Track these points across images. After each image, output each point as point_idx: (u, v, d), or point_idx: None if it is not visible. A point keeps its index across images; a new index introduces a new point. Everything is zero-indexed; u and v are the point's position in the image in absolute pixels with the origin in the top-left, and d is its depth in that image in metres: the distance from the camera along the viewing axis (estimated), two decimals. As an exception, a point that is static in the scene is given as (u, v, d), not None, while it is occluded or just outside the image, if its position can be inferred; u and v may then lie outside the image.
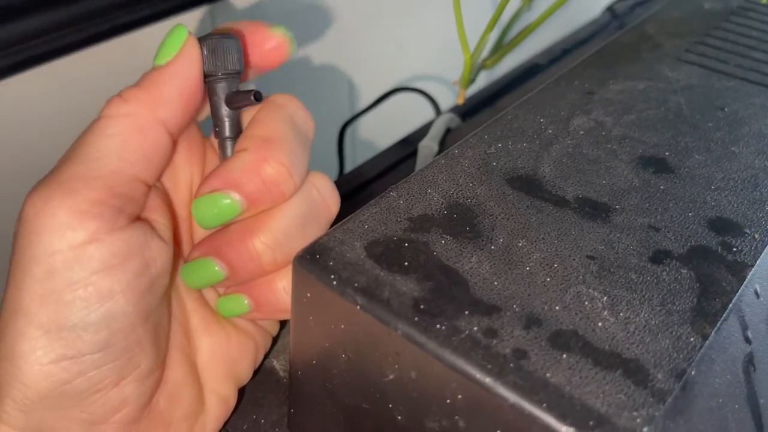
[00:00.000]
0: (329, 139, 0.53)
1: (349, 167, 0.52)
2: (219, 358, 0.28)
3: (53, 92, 0.40)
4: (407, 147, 0.49)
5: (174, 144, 0.26)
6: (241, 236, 0.26)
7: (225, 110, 0.27)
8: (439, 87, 0.64)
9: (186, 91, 0.25)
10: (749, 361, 0.24)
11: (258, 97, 0.26)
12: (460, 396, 0.21)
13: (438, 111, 0.52)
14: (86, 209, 0.22)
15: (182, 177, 0.27)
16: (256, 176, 0.25)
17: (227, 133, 0.28)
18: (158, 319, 0.25)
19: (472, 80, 0.43)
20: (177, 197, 0.28)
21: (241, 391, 0.31)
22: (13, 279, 0.23)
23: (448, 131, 0.47)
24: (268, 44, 0.27)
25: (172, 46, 0.25)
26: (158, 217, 0.25)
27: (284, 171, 0.26)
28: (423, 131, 0.49)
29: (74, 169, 0.23)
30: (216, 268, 0.26)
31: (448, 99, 0.61)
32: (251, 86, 0.28)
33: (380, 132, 0.57)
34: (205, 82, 0.27)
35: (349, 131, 0.53)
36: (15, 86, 0.38)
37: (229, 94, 0.27)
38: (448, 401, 0.22)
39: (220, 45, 0.26)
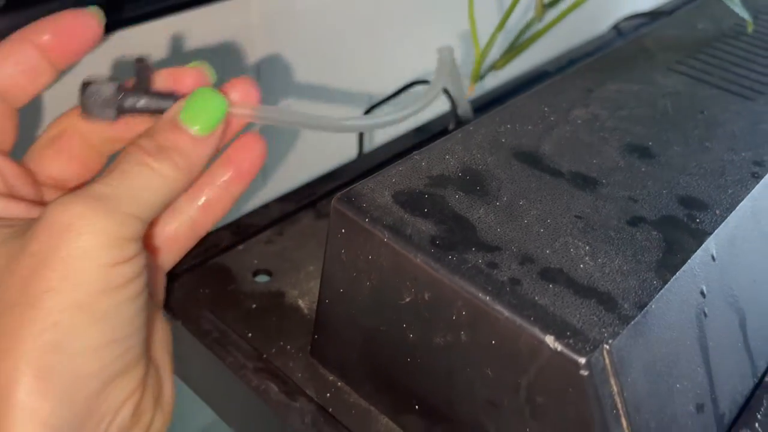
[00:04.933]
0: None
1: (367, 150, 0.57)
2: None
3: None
4: (421, 135, 0.54)
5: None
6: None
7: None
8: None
9: None
10: (702, 310, 0.29)
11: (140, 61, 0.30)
12: (464, 313, 0.26)
13: (453, 104, 0.57)
14: None
15: None
16: None
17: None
18: None
19: (481, 77, 0.48)
20: None
21: (269, 327, 0.36)
22: None
23: (458, 123, 0.52)
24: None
25: None
26: None
27: None
28: (437, 121, 0.54)
29: None
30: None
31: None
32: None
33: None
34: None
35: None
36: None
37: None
38: (454, 318, 0.27)
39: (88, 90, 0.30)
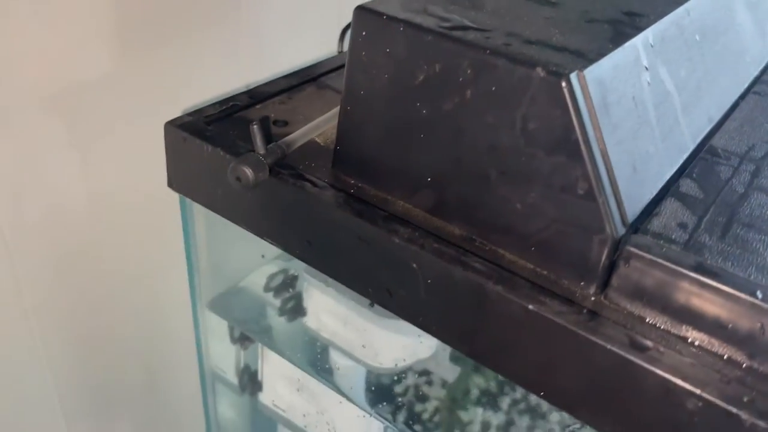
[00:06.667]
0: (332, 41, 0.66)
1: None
2: None
3: None
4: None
5: None
6: None
7: None
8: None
9: None
10: (646, 80, 0.37)
11: None
12: (469, 71, 0.34)
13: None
14: None
15: None
16: None
17: None
18: None
19: None
20: None
21: (293, 153, 0.42)
22: None
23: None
24: None
25: None
26: None
27: None
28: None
29: None
30: None
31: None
32: None
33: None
34: None
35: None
36: None
37: None
38: (460, 79, 0.34)
39: None
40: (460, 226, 0.37)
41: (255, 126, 0.39)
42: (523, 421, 0.53)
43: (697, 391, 0.29)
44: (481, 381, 0.55)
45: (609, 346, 0.31)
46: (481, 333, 0.35)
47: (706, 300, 0.31)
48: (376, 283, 0.38)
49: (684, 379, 0.29)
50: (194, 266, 0.51)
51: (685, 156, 0.40)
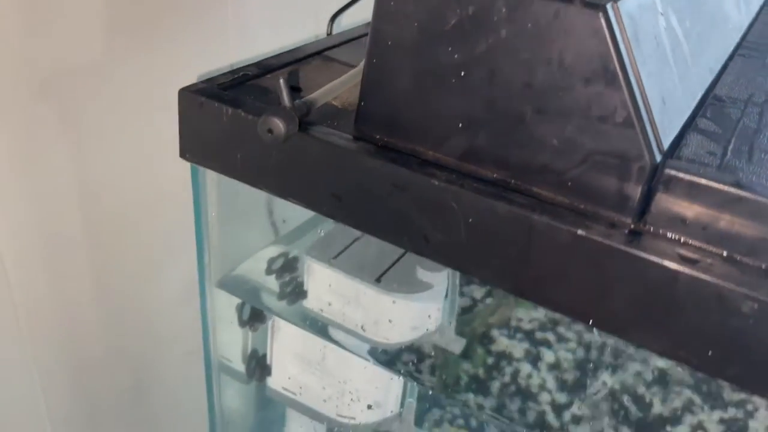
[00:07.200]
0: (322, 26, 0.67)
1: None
2: None
3: None
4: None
5: None
6: None
7: None
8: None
9: None
10: (662, 26, 0.39)
11: None
12: (503, 9, 0.35)
13: None
14: None
15: None
16: None
17: None
18: None
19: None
20: None
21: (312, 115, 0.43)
22: None
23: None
24: None
25: None
26: None
27: None
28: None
29: None
30: None
31: None
32: None
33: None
34: None
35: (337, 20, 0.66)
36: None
37: None
38: (495, 19, 0.35)
39: None
40: (493, 169, 0.38)
41: (282, 80, 0.39)
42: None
43: (753, 294, 0.30)
44: (470, 367, 0.55)
45: (661, 261, 0.32)
46: (527, 267, 0.36)
47: (748, 215, 0.32)
48: (412, 230, 0.39)
49: (738, 284, 0.31)
50: (204, 244, 0.50)
51: (696, 100, 0.42)
